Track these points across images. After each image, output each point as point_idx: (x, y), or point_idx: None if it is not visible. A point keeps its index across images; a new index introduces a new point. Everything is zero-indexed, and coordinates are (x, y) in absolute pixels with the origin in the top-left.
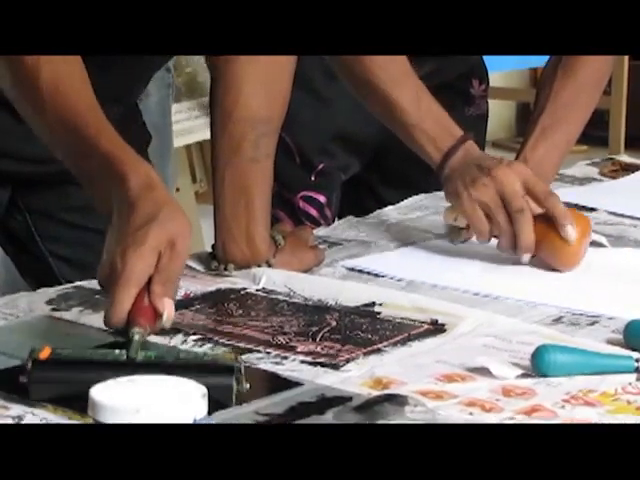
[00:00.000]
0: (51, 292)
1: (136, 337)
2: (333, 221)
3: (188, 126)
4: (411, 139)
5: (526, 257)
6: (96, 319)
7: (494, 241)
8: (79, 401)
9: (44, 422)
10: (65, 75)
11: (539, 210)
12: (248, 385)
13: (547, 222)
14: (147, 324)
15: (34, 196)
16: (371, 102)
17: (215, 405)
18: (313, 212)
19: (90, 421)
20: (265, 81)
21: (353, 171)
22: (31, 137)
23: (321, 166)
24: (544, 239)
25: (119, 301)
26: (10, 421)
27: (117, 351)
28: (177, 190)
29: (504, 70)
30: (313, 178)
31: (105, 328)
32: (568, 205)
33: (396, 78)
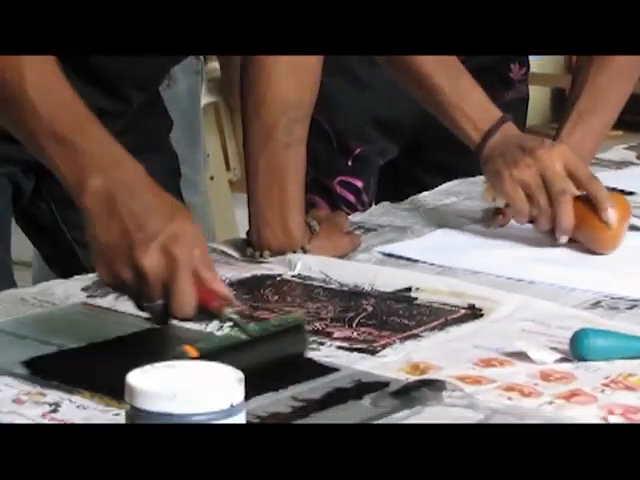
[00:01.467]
0: (86, 279)
1: (235, 316)
2: (370, 206)
3: None
4: (450, 120)
5: (563, 239)
6: (131, 306)
7: (530, 225)
8: (115, 386)
9: (81, 408)
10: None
11: (578, 193)
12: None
13: (587, 205)
14: (223, 305)
15: (58, 184)
16: (411, 84)
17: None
18: (350, 197)
19: (127, 407)
20: (295, 65)
21: (391, 156)
22: None
23: (358, 150)
24: (583, 222)
25: (186, 289)
26: (47, 408)
27: (232, 333)
28: (211, 178)
29: (539, 56)
30: (350, 163)
31: (141, 314)
32: (606, 189)
33: (436, 60)
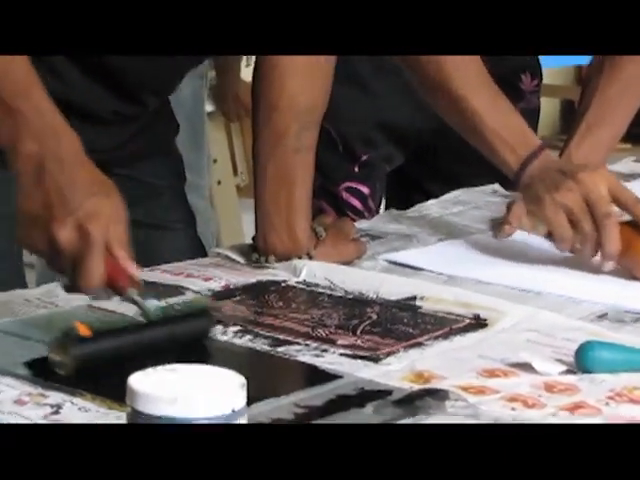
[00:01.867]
0: None
1: (138, 297)
2: (377, 212)
3: None
4: (486, 145)
5: (609, 265)
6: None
7: (538, 238)
8: (117, 388)
9: (82, 411)
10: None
11: (622, 217)
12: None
13: (633, 229)
14: (129, 285)
15: None
16: (443, 104)
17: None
18: (356, 203)
19: (128, 410)
20: (308, 72)
21: (397, 163)
22: None
23: (365, 157)
24: (630, 247)
25: (93, 266)
26: (49, 409)
27: (131, 315)
28: (218, 183)
29: (548, 67)
30: (357, 169)
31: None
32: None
33: (472, 81)
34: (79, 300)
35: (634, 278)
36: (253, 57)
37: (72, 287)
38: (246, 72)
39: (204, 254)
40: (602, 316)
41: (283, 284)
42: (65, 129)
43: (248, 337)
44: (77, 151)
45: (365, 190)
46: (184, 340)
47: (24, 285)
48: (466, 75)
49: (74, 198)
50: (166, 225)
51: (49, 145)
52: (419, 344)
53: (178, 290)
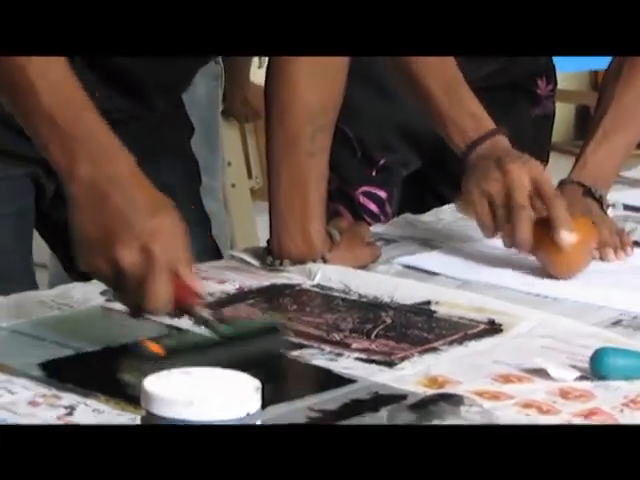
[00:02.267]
0: None
1: (207, 315)
2: (393, 217)
3: None
4: (441, 127)
5: (522, 255)
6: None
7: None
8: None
9: (96, 412)
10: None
11: (542, 211)
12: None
13: (544, 226)
14: (197, 303)
15: None
16: (407, 89)
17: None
18: (373, 207)
19: (143, 413)
20: (321, 74)
21: (414, 167)
22: None
23: (382, 161)
24: (540, 244)
25: (160, 287)
26: (62, 411)
27: (201, 333)
28: (233, 186)
29: (564, 72)
30: (374, 173)
31: (158, 319)
32: (630, 208)
33: (431, 65)
34: (93, 301)
35: (548, 274)
36: (266, 58)
37: (138, 310)
38: (259, 74)
39: (219, 257)
40: (617, 322)
41: (297, 287)
42: (119, 149)
43: None
44: (133, 171)
45: (382, 194)
46: (258, 357)
47: (33, 283)
48: (426, 60)
49: (136, 219)
50: None
51: (104, 168)
52: (434, 349)
53: None
